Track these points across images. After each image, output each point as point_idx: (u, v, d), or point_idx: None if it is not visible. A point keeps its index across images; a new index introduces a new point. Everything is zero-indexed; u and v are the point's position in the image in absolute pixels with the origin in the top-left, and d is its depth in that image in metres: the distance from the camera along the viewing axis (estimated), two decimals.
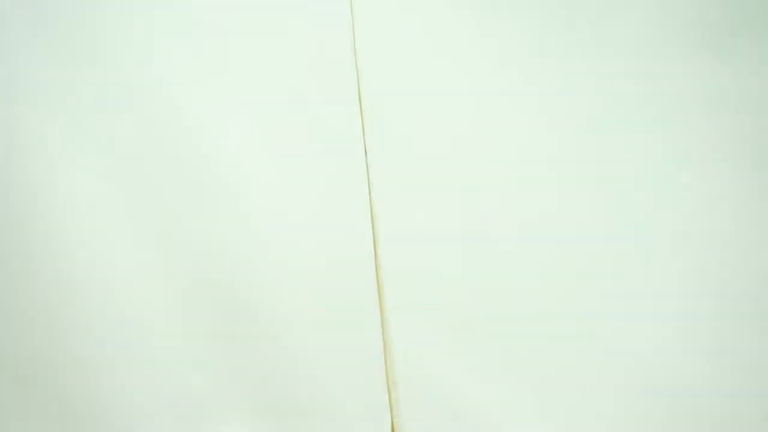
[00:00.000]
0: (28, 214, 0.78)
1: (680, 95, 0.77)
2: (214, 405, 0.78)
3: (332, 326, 0.61)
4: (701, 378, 0.78)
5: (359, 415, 0.67)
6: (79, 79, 0.79)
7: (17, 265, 0.79)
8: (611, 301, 0.80)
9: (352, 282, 0.69)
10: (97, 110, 0.80)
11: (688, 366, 0.78)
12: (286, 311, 0.74)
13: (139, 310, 0.79)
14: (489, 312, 0.79)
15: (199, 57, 0.81)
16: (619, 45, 0.79)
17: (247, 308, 0.78)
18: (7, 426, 0.77)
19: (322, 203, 0.69)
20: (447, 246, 0.78)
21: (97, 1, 0.80)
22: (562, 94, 0.79)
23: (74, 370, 0.79)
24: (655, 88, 0.77)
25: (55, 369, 0.79)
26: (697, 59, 0.76)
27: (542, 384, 0.80)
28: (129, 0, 0.81)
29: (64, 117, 0.79)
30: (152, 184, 0.80)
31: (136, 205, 0.79)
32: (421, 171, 0.78)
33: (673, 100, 0.77)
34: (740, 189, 0.77)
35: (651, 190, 0.79)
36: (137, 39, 0.80)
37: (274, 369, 0.77)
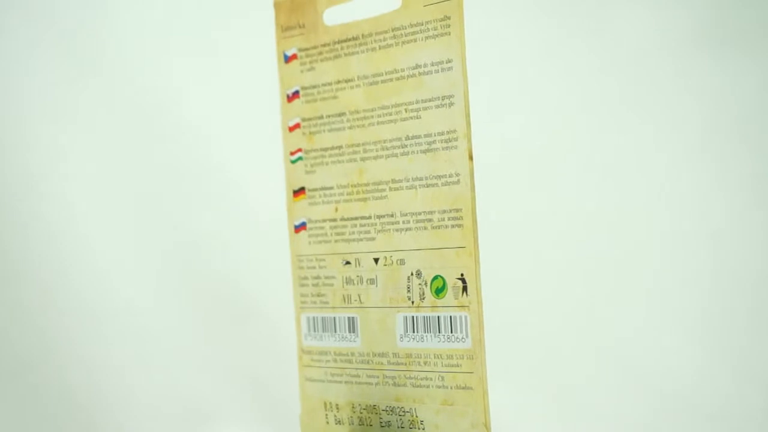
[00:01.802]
0: (30, 215, 0.79)
1: (679, 97, 0.78)
2: (215, 406, 0.78)
3: None
4: (721, 382, 0.77)
5: None
6: (80, 79, 0.80)
7: (18, 265, 0.79)
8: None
9: None
10: (97, 110, 0.80)
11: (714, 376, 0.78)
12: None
13: (139, 311, 0.79)
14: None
15: (201, 56, 0.81)
16: (616, 48, 0.79)
17: (249, 309, 0.78)
18: (5, 426, 0.77)
19: None
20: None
21: (97, 2, 0.80)
22: (560, 96, 0.79)
23: (73, 371, 0.79)
24: (655, 90, 0.79)
25: (55, 370, 0.79)
26: (697, 61, 0.77)
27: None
28: (128, 1, 0.80)
29: (64, 117, 0.80)
30: (153, 184, 0.81)
31: (138, 205, 0.80)
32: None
33: (672, 102, 0.78)
34: (739, 191, 0.78)
35: (652, 191, 0.79)
36: (137, 39, 0.80)
37: (280, 370, 0.75)
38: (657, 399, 0.77)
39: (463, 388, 0.47)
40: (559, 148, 0.79)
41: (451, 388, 0.48)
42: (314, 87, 0.52)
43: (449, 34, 0.47)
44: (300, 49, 0.53)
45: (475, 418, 0.47)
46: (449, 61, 0.47)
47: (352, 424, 0.52)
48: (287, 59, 0.54)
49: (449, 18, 0.47)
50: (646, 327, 0.77)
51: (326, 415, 0.53)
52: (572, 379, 0.78)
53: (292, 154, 0.54)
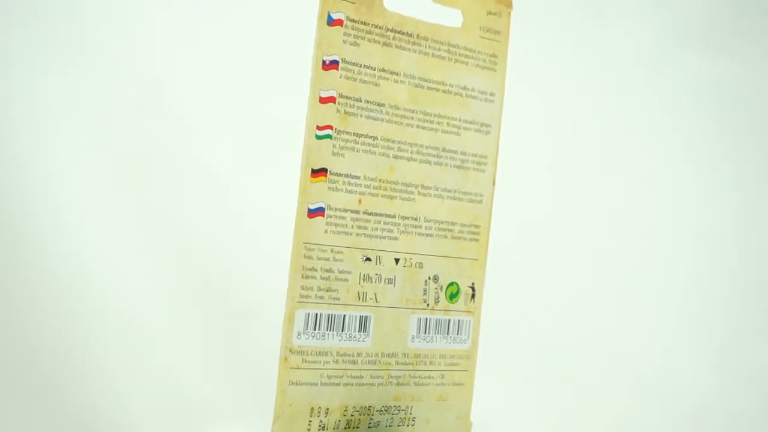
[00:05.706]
0: (27, 215, 0.74)
1: (684, 93, 0.80)
2: (215, 406, 0.76)
3: None
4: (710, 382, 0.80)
5: None
6: (78, 77, 0.76)
7: (15, 266, 0.74)
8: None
9: None
10: (96, 109, 0.76)
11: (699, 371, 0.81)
12: None
13: (138, 312, 0.75)
14: None
15: (202, 55, 0.78)
16: (622, 44, 0.80)
17: (250, 306, 0.77)
18: (5, 427, 0.73)
19: None
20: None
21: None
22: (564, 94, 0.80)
23: (72, 371, 0.75)
24: (660, 87, 0.79)
25: (54, 370, 0.74)
26: (702, 58, 0.79)
27: None
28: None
29: (62, 116, 0.76)
30: (153, 183, 0.77)
31: (138, 205, 0.76)
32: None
33: (677, 99, 0.80)
34: (744, 188, 0.80)
35: (654, 190, 0.80)
36: (136, 38, 0.76)
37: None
38: (640, 399, 0.82)
39: (458, 384, 0.53)
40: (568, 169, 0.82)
41: (448, 385, 0.53)
42: (356, 65, 0.48)
43: (495, 71, 0.53)
44: (348, 18, 0.48)
45: (461, 411, 0.53)
46: (492, 94, 0.53)
47: (338, 428, 0.49)
48: (331, 22, 0.47)
49: (496, 57, 0.54)
50: (653, 335, 0.82)
51: (309, 422, 0.48)
52: (552, 377, 0.81)
53: (319, 128, 0.47)
